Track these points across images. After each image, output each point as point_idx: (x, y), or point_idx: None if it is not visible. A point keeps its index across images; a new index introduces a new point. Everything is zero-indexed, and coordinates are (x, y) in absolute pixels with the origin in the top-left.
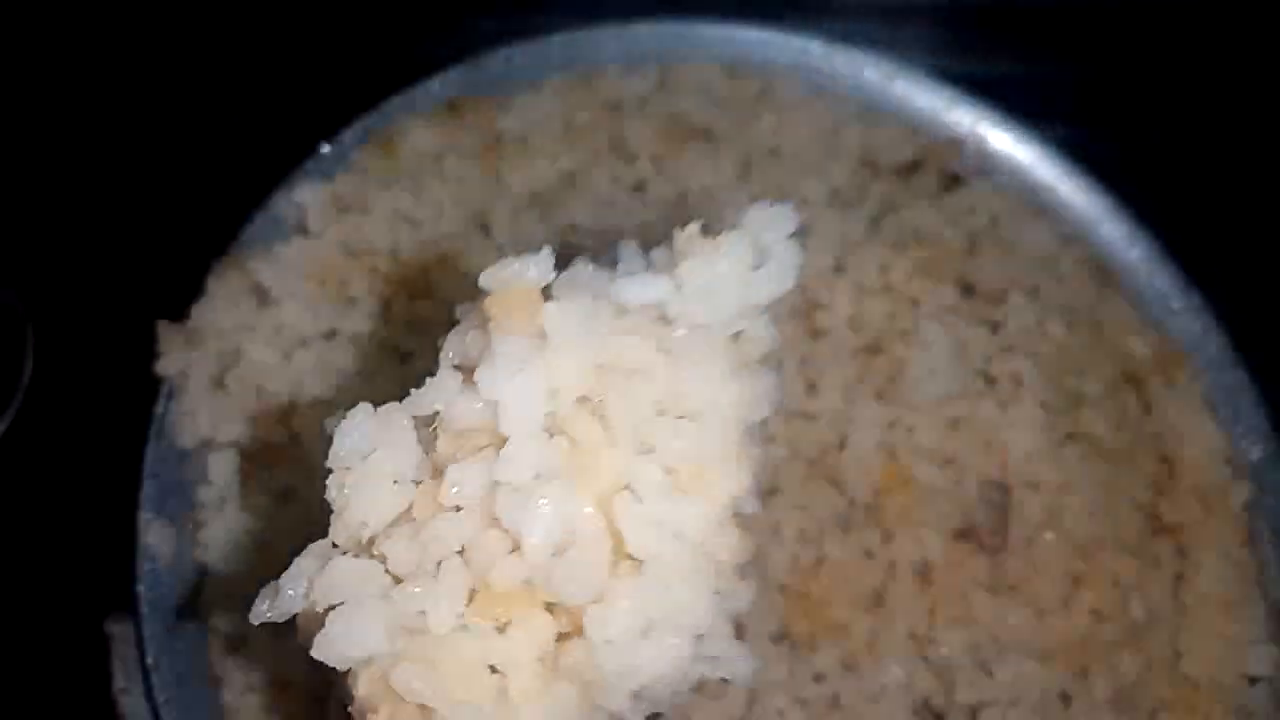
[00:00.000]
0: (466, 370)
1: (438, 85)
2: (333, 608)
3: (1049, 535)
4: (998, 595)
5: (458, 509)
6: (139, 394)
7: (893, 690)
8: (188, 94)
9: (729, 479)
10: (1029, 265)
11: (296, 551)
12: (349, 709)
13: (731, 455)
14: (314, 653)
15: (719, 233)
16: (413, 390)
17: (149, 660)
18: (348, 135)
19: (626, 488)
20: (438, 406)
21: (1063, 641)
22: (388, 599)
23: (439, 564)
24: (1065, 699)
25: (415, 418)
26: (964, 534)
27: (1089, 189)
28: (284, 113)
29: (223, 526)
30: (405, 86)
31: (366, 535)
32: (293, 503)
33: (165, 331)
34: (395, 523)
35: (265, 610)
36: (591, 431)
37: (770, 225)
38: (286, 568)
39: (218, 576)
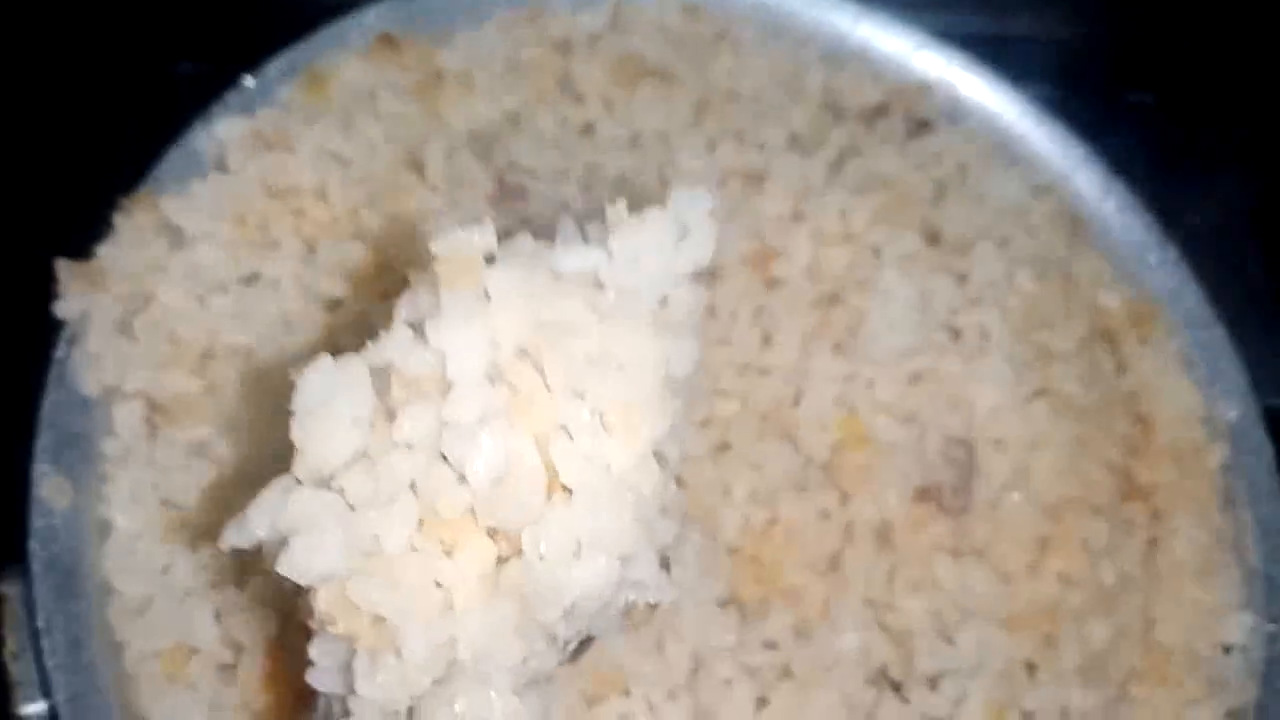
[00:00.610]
0: (417, 327)
1: (372, 17)
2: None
3: (1015, 496)
4: (960, 559)
5: (409, 446)
6: (37, 338)
7: (848, 658)
8: (100, 18)
9: (650, 423)
10: (998, 215)
11: (207, 509)
12: (310, 624)
13: (654, 402)
14: (279, 568)
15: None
16: (370, 344)
17: (40, 623)
18: (273, 67)
19: (561, 427)
20: (392, 357)
21: (1029, 608)
22: (346, 525)
23: (391, 495)
24: (1031, 668)
25: (370, 367)
26: (925, 494)
27: (1063, 139)
28: (204, 42)
29: (127, 482)
30: (337, 17)
31: (327, 471)
32: (204, 458)
33: (65, 271)
34: (352, 460)
35: (233, 538)
36: (529, 378)
37: (691, 204)
38: (197, 526)
39: (122, 535)
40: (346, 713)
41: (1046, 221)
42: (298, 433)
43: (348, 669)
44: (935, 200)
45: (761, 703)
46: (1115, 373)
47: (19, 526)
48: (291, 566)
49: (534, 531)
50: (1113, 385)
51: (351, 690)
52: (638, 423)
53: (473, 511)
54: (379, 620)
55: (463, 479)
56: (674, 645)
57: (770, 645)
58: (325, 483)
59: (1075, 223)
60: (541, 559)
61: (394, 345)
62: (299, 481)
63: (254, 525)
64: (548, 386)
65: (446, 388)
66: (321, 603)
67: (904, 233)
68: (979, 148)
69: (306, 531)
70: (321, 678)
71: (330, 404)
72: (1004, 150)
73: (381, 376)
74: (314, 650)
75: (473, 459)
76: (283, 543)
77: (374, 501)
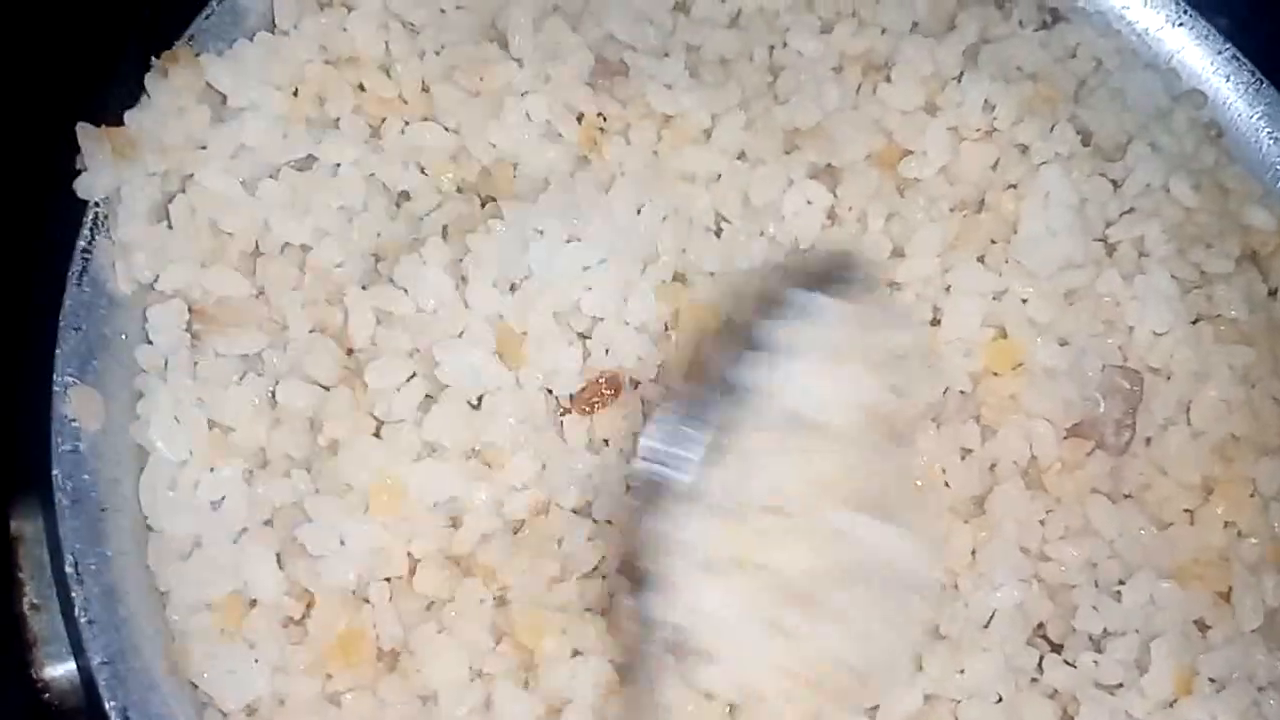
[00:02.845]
0: None
1: None
2: None
3: (1179, 433)
4: (1118, 503)
5: None
6: (57, 225)
7: (1002, 616)
8: None
9: None
10: (1143, 118)
11: (262, 431)
12: None
13: None
14: None
15: None
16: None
17: (67, 568)
18: None
19: None
20: None
21: (1197, 559)
22: None
23: None
24: (1203, 627)
25: None
26: (1083, 429)
27: (1203, 37)
28: None
29: (167, 398)
30: None
31: None
32: (257, 373)
33: (89, 138)
34: None
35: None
36: None
37: None
38: (251, 451)
39: (162, 462)
40: None
41: (1190, 128)
42: None
43: None
44: (1076, 97)
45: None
46: (1266, 297)
47: (40, 451)
48: None
49: None
50: (1272, 312)
51: None
52: None
53: None
54: None
55: None
56: None
57: None
58: None
59: (1219, 133)
60: None
61: None
62: None
63: None
64: None
65: None
66: None
67: (1057, 129)
68: (1114, 44)
69: None
70: None
71: None
72: (1142, 47)
73: None
74: None
75: None
76: None
77: None
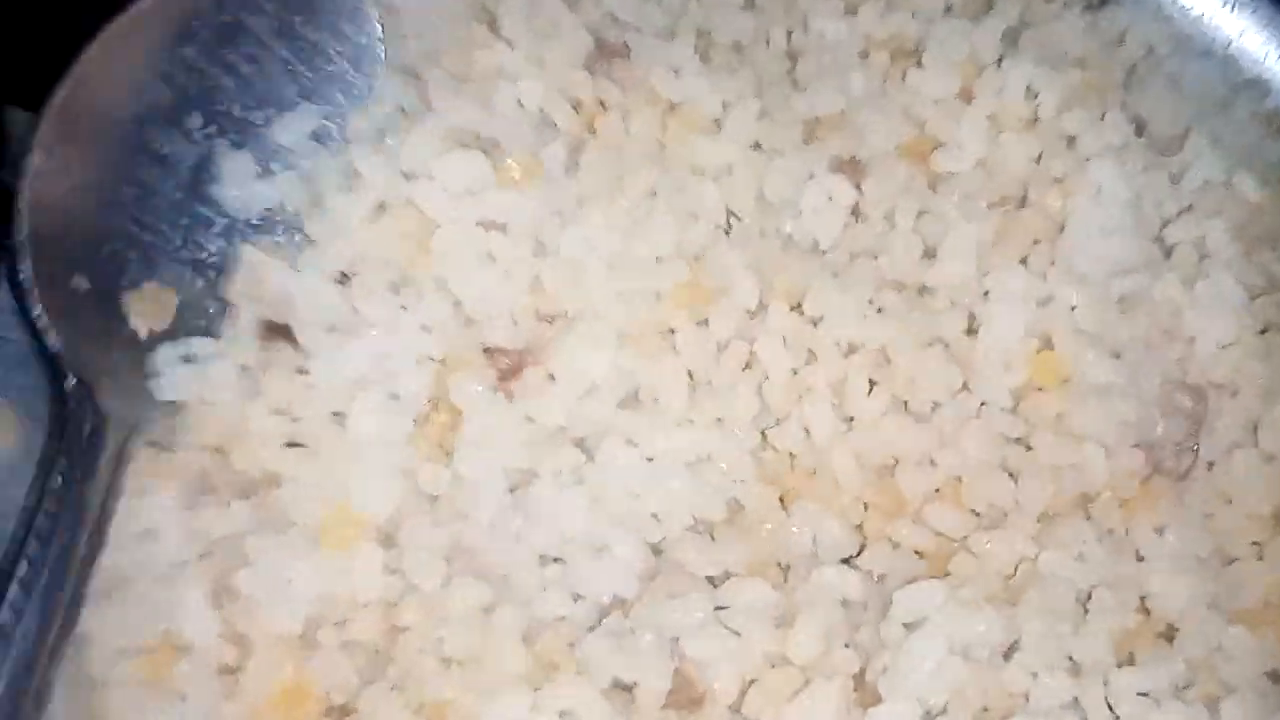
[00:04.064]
0: None
1: None
2: None
3: (1246, 455)
4: (1181, 532)
5: None
6: None
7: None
8: None
9: None
10: (1201, 108)
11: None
12: None
13: None
14: None
15: None
16: None
17: None
18: None
19: None
20: None
21: (1265, 600)
22: None
23: None
24: (1277, 679)
25: None
26: (1142, 452)
27: (1265, 24)
28: None
29: None
30: None
31: None
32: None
33: None
34: None
35: None
36: None
37: None
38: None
39: None
40: None
41: (1253, 120)
42: None
43: None
44: (1127, 85)
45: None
46: None
47: None
48: None
49: None
50: None
51: None
52: None
53: None
54: None
55: None
56: None
57: None
58: None
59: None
60: None
61: None
62: None
63: None
64: None
65: None
66: None
67: (1107, 117)
68: (1167, 29)
69: None
70: None
71: None
72: (1196, 32)
73: None
74: None
75: None
76: None
77: None
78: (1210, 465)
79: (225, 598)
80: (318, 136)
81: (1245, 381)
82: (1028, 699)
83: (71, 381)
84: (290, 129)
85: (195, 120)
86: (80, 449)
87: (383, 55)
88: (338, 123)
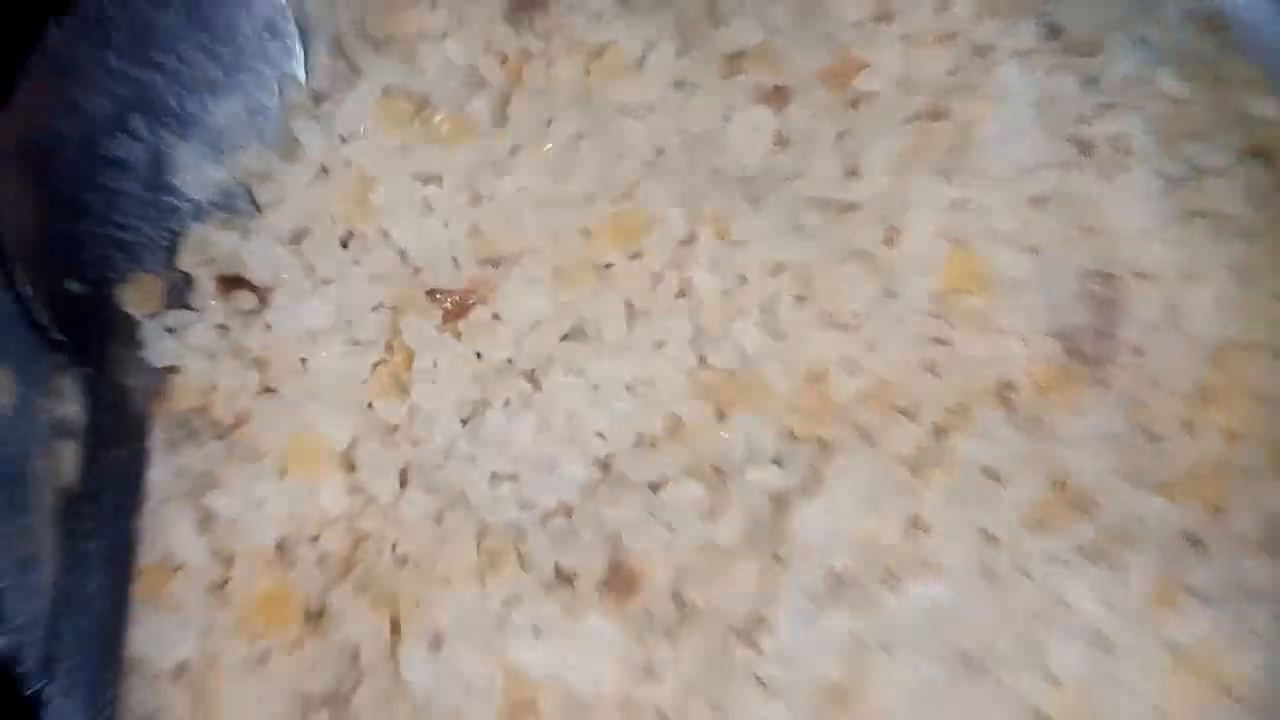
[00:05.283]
0: None
1: None
2: None
3: (1167, 339)
4: (1103, 415)
5: None
6: None
7: None
8: None
9: None
10: (1127, 10)
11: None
12: None
13: None
14: None
15: None
16: None
17: None
18: None
19: None
20: None
21: (1190, 472)
22: None
23: None
24: (1195, 543)
25: None
26: (1058, 341)
27: None
28: None
29: None
30: None
31: None
32: None
33: None
34: None
35: None
36: None
37: None
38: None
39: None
40: None
41: (1184, 18)
42: None
43: None
44: None
45: None
46: (1273, 191)
47: None
48: None
49: None
50: (1276, 207)
51: None
52: None
53: None
54: None
55: None
56: None
57: None
58: None
59: (1218, 21)
60: None
61: None
62: None
63: None
64: None
65: None
66: None
67: (1018, 24)
68: None
69: None
70: None
71: None
72: None
73: None
74: None
75: None
76: None
77: None
78: (1136, 350)
79: (211, 524)
80: (252, 111)
81: (1165, 268)
82: (941, 568)
83: (86, 371)
84: (224, 109)
85: (138, 121)
86: (110, 425)
87: (290, 14)
88: (269, 94)
